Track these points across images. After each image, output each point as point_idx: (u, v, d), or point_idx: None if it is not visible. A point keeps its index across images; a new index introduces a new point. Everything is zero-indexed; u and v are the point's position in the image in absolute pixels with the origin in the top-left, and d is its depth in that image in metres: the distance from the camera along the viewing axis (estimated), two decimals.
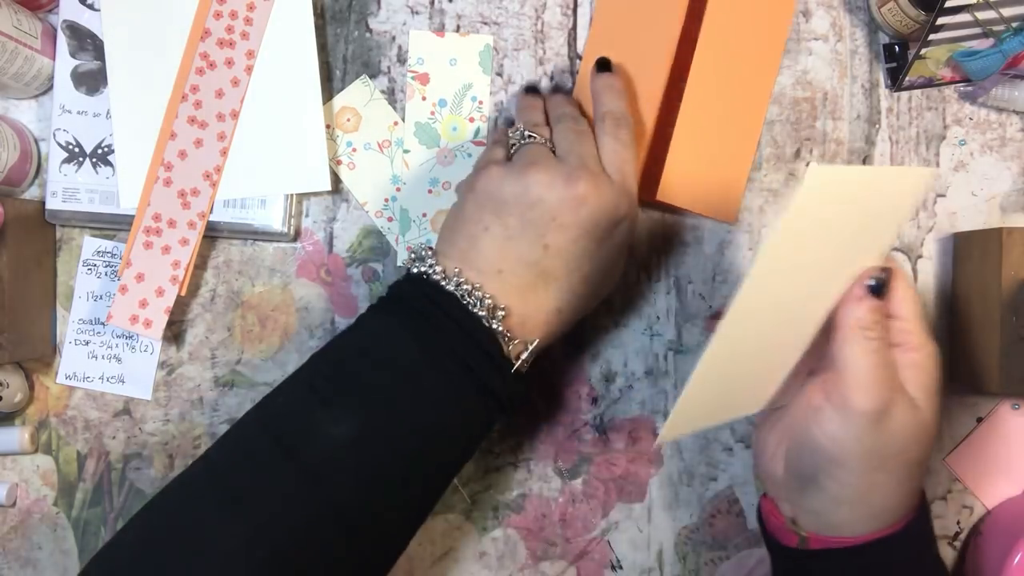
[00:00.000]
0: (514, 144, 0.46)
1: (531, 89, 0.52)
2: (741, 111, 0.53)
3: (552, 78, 0.55)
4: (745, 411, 0.45)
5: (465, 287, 0.42)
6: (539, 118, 0.49)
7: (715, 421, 0.46)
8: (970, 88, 0.54)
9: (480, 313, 0.42)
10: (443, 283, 0.42)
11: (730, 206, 0.54)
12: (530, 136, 0.46)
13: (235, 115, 0.52)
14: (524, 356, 0.43)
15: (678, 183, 0.52)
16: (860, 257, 0.41)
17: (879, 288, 0.40)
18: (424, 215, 0.54)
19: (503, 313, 0.42)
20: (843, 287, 0.41)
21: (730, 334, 0.39)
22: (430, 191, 0.54)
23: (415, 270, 0.44)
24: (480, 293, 0.42)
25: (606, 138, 0.46)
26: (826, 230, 0.39)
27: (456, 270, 0.43)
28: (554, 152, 0.46)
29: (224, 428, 0.53)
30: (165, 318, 0.51)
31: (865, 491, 0.41)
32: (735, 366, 0.42)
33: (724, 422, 0.49)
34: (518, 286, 0.43)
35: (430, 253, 0.44)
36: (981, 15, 0.48)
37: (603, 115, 0.47)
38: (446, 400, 0.41)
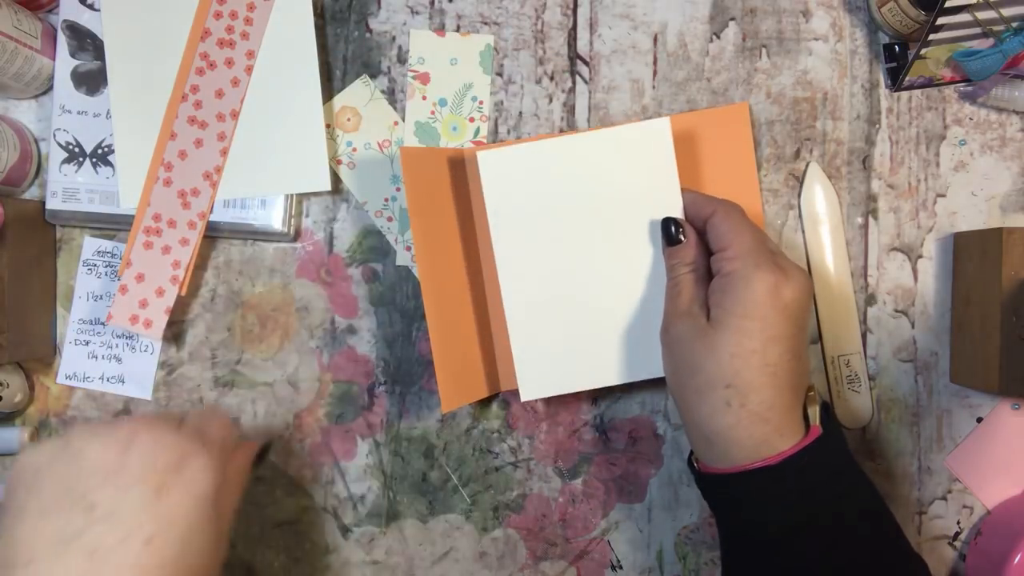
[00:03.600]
0: None
1: None
2: None
3: (552, 76, 0.55)
4: (609, 378, 0.49)
5: None
6: None
7: (577, 385, 0.50)
8: (970, 88, 0.54)
9: None
10: None
11: None
12: None
13: (235, 115, 0.52)
14: None
15: None
16: (651, 214, 0.48)
17: (671, 236, 0.47)
18: None
19: None
20: (647, 247, 0.48)
21: (516, 309, 0.48)
22: None
23: None
24: None
25: None
26: (564, 202, 0.48)
27: None
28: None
29: None
30: (165, 318, 0.51)
31: (692, 418, 0.43)
32: (560, 335, 0.49)
33: (590, 387, 0.50)
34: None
35: None
36: (981, 15, 0.48)
37: None
38: None
